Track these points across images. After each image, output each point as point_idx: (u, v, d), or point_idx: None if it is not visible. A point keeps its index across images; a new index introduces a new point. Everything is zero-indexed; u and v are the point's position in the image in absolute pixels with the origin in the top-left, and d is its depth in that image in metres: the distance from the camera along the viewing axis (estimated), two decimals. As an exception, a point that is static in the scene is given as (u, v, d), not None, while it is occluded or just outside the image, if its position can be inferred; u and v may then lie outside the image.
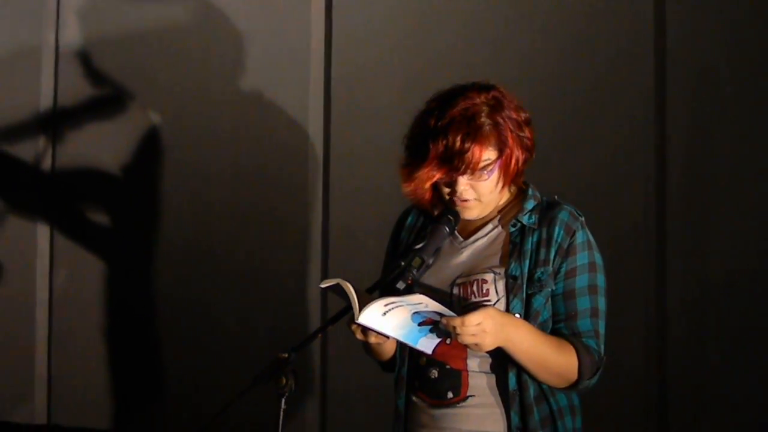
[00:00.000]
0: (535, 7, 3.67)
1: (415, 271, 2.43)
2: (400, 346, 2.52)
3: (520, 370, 2.44)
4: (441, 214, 2.51)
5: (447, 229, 2.49)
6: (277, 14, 4.05)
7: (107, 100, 4.31)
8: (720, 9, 3.42)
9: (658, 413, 3.44)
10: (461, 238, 2.55)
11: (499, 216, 2.54)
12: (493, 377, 2.47)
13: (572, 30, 3.61)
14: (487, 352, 2.41)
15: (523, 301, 2.46)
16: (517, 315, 2.44)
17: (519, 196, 2.56)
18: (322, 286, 2.42)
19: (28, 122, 4.40)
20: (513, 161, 2.46)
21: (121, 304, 4.29)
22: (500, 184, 2.47)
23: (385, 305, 2.32)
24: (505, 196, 2.54)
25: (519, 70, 3.60)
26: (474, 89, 2.46)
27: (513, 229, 2.52)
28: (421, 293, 2.42)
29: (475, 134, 2.41)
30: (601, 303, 2.49)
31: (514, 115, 2.46)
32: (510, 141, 2.44)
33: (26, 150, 4.40)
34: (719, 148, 3.42)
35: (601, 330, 2.48)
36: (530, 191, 2.56)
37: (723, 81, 3.42)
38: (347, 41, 3.93)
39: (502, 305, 2.45)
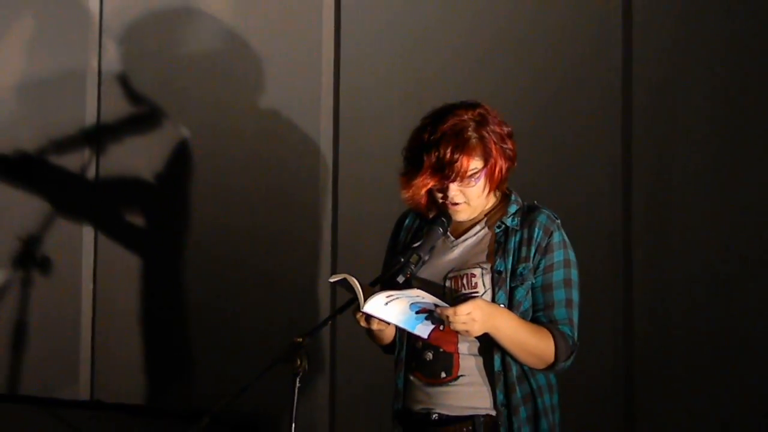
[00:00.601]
0: (521, 29, 3.67)
1: (412, 266, 2.45)
2: (399, 331, 2.53)
3: (504, 353, 2.45)
4: (435, 217, 2.53)
5: (440, 229, 2.50)
6: (292, 45, 4.04)
7: (144, 117, 4.30)
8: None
9: (624, 391, 3.43)
10: (453, 238, 2.55)
11: (485, 218, 2.55)
12: (480, 359, 2.48)
13: (550, 48, 3.61)
14: (476, 338, 2.43)
15: (507, 293, 2.46)
16: (502, 305, 2.45)
17: (503, 201, 2.57)
18: (332, 280, 2.44)
19: (75, 136, 4.39)
20: (497, 170, 2.46)
21: (156, 295, 4.28)
22: (486, 190, 2.48)
23: (387, 297, 2.33)
24: (491, 200, 2.55)
25: (504, 87, 3.61)
26: (462, 107, 2.47)
27: (498, 230, 2.52)
28: (418, 286, 2.44)
29: (463, 146, 2.42)
30: (575, 295, 2.50)
31: (497, 129, 2.47)
32: (494, 152, 2.45)
33: (73, 161, 4.39)
34: (681, 159, 3.41)
35: (575, 318, 2.49)
36: (513, 197, 2.57)
37: (687, 89, 3.39)
38: (355, 72, 3.93)
39: (488, 296, 2.46)
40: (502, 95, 3.47)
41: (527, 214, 2.53)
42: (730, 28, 3.36)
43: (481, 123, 2.45)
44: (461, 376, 2.48)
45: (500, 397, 2.46)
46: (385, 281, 2.46)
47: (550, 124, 3.57)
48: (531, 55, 3.62)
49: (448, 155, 2.41)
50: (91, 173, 4.36)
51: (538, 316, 2.48)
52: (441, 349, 2.48)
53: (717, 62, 3.37)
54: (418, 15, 3.82)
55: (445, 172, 2.42)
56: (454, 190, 2.46)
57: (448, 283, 2.50)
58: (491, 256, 2.50)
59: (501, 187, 2.53)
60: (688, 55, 3.41)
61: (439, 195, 2.49)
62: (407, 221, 2.67)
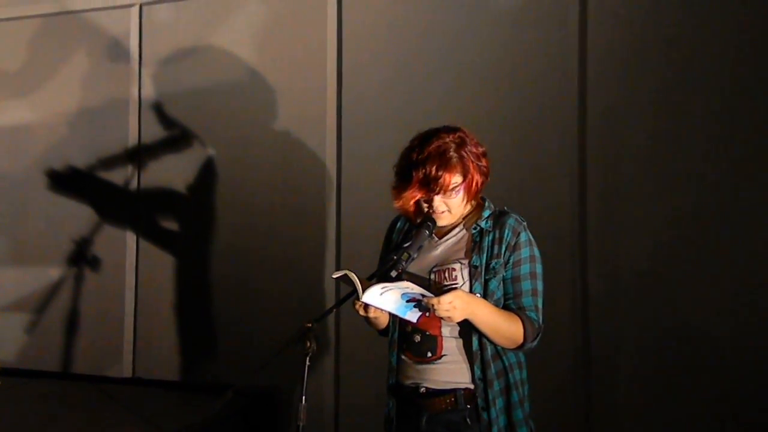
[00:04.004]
0: (496, 73, 3.68)
1: (403, 263, 2.44)
2: (392, 317, 2.52)
3: (481, 335, 2.43)
4: (422, 221, 2.51)
5: (427, 231, 2.48)
6: (301, 77, 4.06)
7: (177, 138, 4.31)
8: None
9: (582, 365, 3.43)
10: (437, 238, 2.54)
11: (464, 222, 2.54)
12: (460, 341, 2.47)
13: (518, 83, 3.62)
14: (457, 323, 2.41)
15: (482, 284, 2.45)
16: (478, 294, 2.43)
17: (478, 207, 2.55)
18: (334, 276, 2.42)
19: (120, 155, 4.39)
20: (474, 184, 2.46)
21: (188, 287, 4.27)
22: (465, 200, 2.48)
23: (382, 288, 2.32)
24: (469, 207, 2.53)
25: (484, 119, 3.61)
26: (444, 131, 2.46)
27: (474, 231, 2.51)
28: (408, 279, 2.43)
29: (446, 165, 2.41)
30: (539, 285, 2.48)
31: (474, 150, 2.46)
32: (471, 169, 2.44)
33: (118, 175, 4.39)
34: (629, 170, 3.42)
35: (540, 305, 2.47)
36: (487, 203, 2.56)
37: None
38: (354, 100, 3.94)
39: (466, 287, 2.44)
40: (483, 125, 3.47)
41: (498, 218, 2.52)
42: (672, 59, 3.38)
43: (461, 144, 2.44)
44: (444, 355, 2.47)
45: (478, 372, 2.45)
46: (380, 275, 2.45)
47: (517, 142, 3.57)
48: (504, 95, 3.65)
49: (433, 172, 2.40)
50: (133, 185, 4.36)
51: (508, 303, 2.47)
52: (427, 333, 2.47)
53: (658, 92, 3.39)
54: (410, 55, 3.83)
55: (431, 186, 2.42)
56: (438, 201, 2.45)
57: (432, 276, 2.48)
58: (468, 253, 2.48)
59: (477, 197, 2.52)
60: (634, 84, 3.42)
61: (426, 205, 2.48)
62: (398, 224, 2.66)
